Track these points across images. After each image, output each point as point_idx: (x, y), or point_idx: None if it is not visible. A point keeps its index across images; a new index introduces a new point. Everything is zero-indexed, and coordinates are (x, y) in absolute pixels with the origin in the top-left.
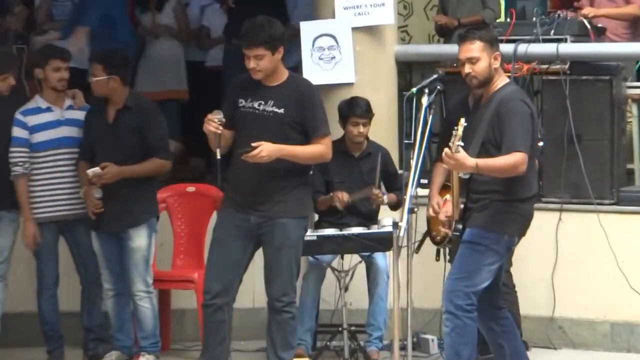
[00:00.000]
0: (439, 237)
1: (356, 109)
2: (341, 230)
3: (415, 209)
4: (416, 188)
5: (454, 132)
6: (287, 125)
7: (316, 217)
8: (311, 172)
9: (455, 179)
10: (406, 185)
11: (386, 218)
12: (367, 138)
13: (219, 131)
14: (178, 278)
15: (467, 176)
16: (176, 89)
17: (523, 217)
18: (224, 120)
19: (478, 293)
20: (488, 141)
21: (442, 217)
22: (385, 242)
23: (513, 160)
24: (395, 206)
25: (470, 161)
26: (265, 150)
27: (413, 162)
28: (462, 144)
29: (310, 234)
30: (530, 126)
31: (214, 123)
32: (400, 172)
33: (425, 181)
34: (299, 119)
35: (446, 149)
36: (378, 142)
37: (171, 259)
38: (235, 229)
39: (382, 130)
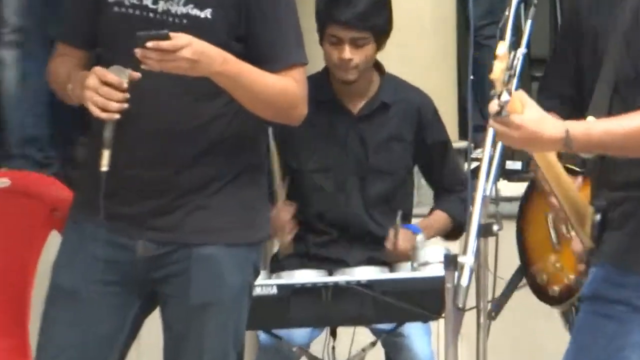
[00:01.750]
0: (556, 286)
1: (339, 8)
2: (331, 275)
3: (496, 227)
4: (496, 180)
5: (490, 75)
6: (220, 45)
7: (276, 244)
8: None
9: (551, 168)
10: (474, 177)
11: (430, 247)
12: (379, 71)
13: (116, 117)
14: None
15: (589, 155)
16: None
17: None
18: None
19: None
20: (625, 75)
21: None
22: (427, 299)
23: None
24: (453, 232)
25: (552, 127)
26: (195, 46)
27: (489, 126)
28: (508, 98)
29: (266, 282)
30: None
31: (117, 94)
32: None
33: (518, 165)
34: (242, 32)
35: (491, 104)
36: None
37: None
38: (103, 269)
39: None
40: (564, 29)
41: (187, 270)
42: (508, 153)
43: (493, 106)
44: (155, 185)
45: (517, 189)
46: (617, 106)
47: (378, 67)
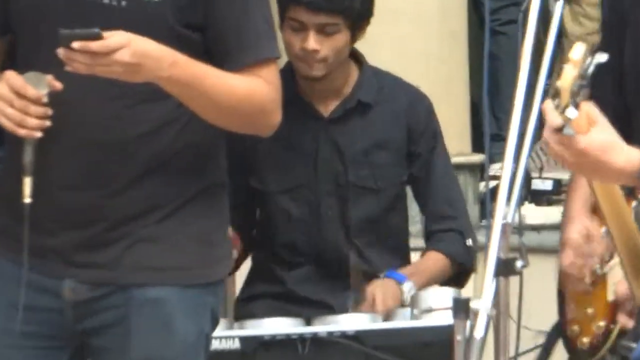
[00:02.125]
0: (586, 338)
1: None
2: (310, 323)
3: (519, 263)
4: (520, 204)
5: (558, 82)
6: (170, 35)
7: (240, 282)
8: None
9: (610, 200)
10: (493, 199)
11: (434, 289)
12: (357, 63)
13: (36, 135)
14: None
15: None
16: None
17: None
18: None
19: None
20: None
21: (610, 296)
22: (432, 355)
23: None
24: (455, 278)
25: (624, 157)
26: (134, 48)
27: (511, 132)
28: (575, 114)
29: (227, 334)
30: None
31: (35, 109)
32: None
33: (548, 185)
34: (198, 18)
35: (549, 115)
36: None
37: None
38: (23, 319)
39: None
40: (605, 15)
41: (126, 318)
42: (535, 169)
43: (554, 119)
44: (83, 211)
45: (547, 214)
46: None
47: (356, 57)
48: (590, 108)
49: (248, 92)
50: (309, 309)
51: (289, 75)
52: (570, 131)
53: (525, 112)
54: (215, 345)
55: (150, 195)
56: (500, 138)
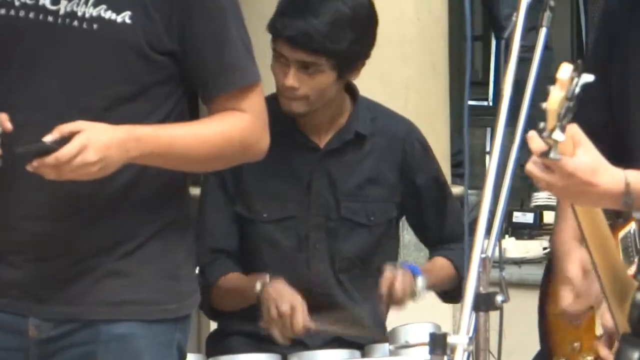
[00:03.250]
0: None
1: (285, 18)
2: None
3: (499, 298)
4: (500, 237)
5: (545, 104)
6: (141, 58)
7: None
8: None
9: (592, 223)
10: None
11: (411, 325)
12: (351, 94)
13: None
14: None
15: None
16: None
17: None
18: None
19: None
20: None
21: (598, 330)
22: None
23: None
24: (456, 289)
25: (609, 178)
26: (94, 145)
27: (492, 163)
28: (563, 137)
29: None
30: None
31: None
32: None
33: (530, 218)
34: (171, 44)
35: (534, 140)
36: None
37: None
38: None
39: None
40: (598, 33)
41: (93, 355)
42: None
43: (538, 144)
44: (48, 243)
45: (528, 248)
46: None
47: (350, 89)
48: (574, 129)
49: (227, 135)
50: (283, 346)
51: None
52: (557, 155)
53: (507, 141)
54: None
55: (116, 229)
56: None
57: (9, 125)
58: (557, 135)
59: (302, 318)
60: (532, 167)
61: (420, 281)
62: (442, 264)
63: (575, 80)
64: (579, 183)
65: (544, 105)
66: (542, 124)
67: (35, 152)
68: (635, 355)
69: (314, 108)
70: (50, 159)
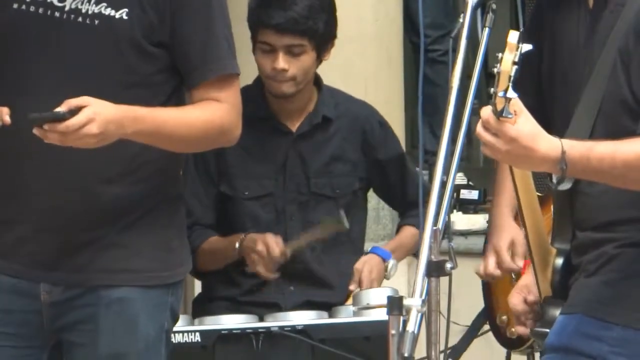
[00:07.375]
0: (515, 328)
1: (270, 10)
2: (262, 320)
3: (449, 265)
4: (449, 212)
5: (495, 68)
6: (137, 51)
7: (198, 283)
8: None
9: (527, 194)
10: (426, 202)
11: (373, 289)
12: (317, 86)
13: None
14: None
15: (566, 186)
16: None
17: None
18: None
19: None
20: (619, 95)
21: (516, 298)
22: (371, 347)
23: None
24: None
25: (547, 144)
26: (98, 119)
27: (442, 147)
28: (515, 95)
29: (188, 328)
30: None
31: None
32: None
33: (475, 195)
34: (164, 37)
35: (483, 110)
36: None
37: None
38: (1, 323)
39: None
40: (527, 26)
41: (95, 315)
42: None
43: (488, 109)
44: (57, 216)
45: (474, 221)
46: (601, 130)
47: (315, 79)
48: (515, 100)
49: (207, 120)
50: (261, 308)
51: (259, 93)
52: (509, 113)
53: (455, 128)
54: (178, 338)
55: (119, 204)
56: (434, 155)
57: (8, 119)
58: (511, 93)
59: (276, 247)
60: (481, 130)
61: (390, 264)
62: (410, 233)
63: (520, 46)
64: (520, 147)
65: (498, 68)
66: (492, 88)
67: (49, 119)
68: (557, 313)
69: (299, 88)
70: (61, 126)
